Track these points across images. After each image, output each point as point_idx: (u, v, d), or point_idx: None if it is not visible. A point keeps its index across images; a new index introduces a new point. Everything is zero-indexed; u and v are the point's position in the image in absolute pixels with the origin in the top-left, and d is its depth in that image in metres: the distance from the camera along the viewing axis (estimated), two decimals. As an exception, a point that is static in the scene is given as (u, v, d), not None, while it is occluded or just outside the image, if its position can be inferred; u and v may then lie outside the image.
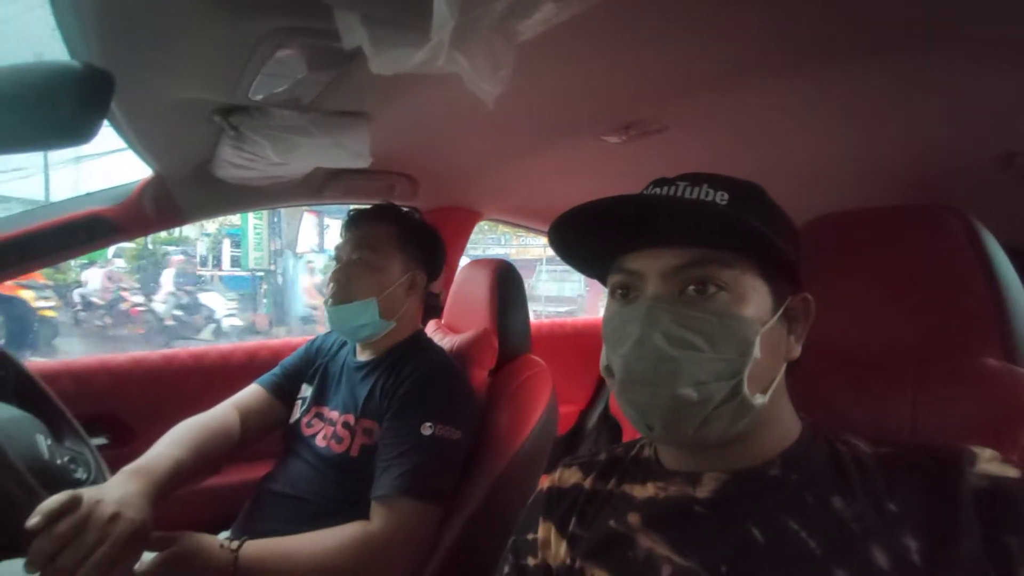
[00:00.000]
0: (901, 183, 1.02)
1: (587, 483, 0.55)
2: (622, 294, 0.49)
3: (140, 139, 0.87)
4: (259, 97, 0.69)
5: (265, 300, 7.58)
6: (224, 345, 1.34)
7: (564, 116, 0.98)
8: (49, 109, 0.41)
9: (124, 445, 1.16)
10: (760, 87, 0.81)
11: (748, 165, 1.10)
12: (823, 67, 0.75)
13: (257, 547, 0.76)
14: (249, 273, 7.67)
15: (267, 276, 7.66)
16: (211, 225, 9.02)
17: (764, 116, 0.91)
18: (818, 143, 0.99)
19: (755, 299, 0.45)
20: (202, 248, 9.09)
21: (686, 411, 0.43)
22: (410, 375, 0.93)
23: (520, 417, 1.00)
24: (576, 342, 1.91)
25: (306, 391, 1.05)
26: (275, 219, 7.77)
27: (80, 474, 0.82)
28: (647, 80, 0.83)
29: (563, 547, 0.52)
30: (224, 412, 0.99)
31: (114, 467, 0.84)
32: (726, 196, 0.46)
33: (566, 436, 1.86)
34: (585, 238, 0.50)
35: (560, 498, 0.56)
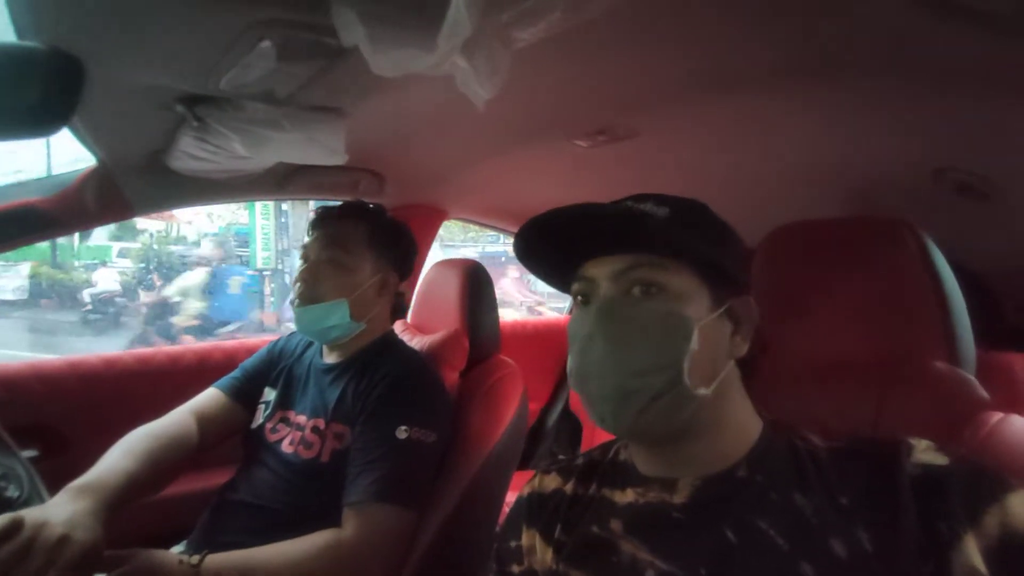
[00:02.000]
0: (849, 194, 1.10)
1: (568, 488, 0.57)
2: (582, 300, 0.53)
3: (86, 124, 0.80)
4: (230, 88, 0.65)
5: (272, 299, 7.21)
6: (172, 348, 1.25)
7: (536, 120, 0.99)
8: (10, 97, 0.36)
9: (58, 457, 1.06)
10: (727, 100, 0.86)
11: (711, 173, 1.17)
12: (783, 86, 0.80)
13: (220, 561, 0.72)
14: (256, 272, 7.27)
15: (274, 275, 7.33)
16: (214, 225, 9.02)
17: (730, 128, 0.96)
18: (776, 155, 1.05)
19: (693, 298, 0.49)
20: (207, 248, 8.76)
21: (630, 399, 0.47)
22: (384, 377, 0.90)
23: (492, 418, 1.00)
24: (537, 341, 1.93)
25: (269, 395, 1.00)
26: (282, 219, 7.57)
27: (12, 492, 0.75)
28: (621, 88, 0.85)
29: (549, 554, 0.53)
30: (180, 418, 0.93)
31: (48, 481, 0.78)
32: (666, 210, 0.50)
33: (528, 434, 1.88)
34: (545, 250, 0.54)
35: (542, 504, 0.57)
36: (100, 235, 9.18)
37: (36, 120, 0.37)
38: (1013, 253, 1.10)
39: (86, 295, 6.77)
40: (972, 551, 0.38)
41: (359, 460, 0.84)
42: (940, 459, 0.43)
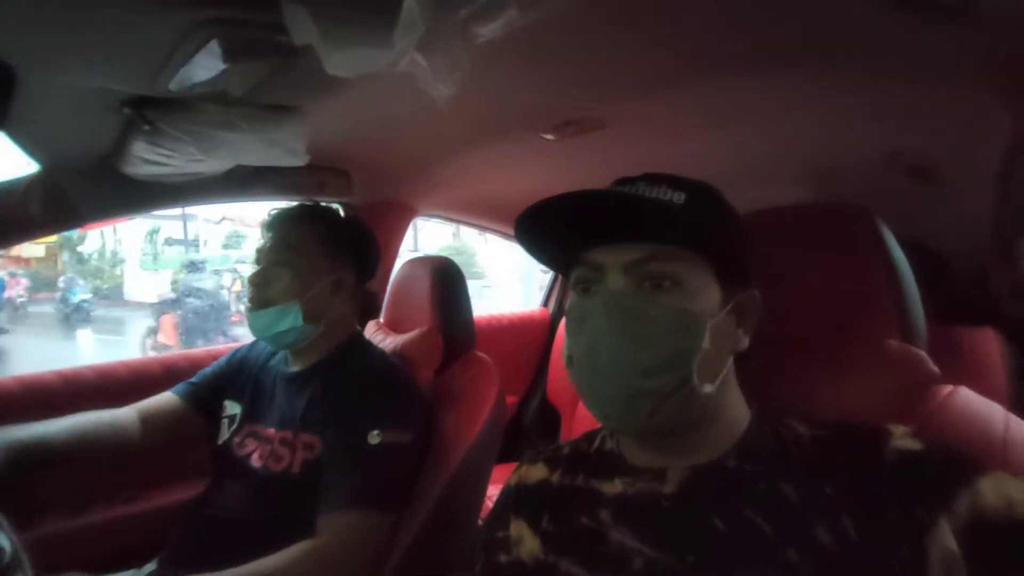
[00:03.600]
0: (809, 179, 1.13)
1: (554, 479, 0.57)
2: (584, 288, 0.51)
3: (25, 129, 0.76)
4: (180, 89, 0.62)
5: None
6: (134, 359, 1.21)
7: (502, 113, 0.98)
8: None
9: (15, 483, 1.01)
10: (690, 90, 0.87)
11: (676, 161, 1.18)
12: (745, 75, 0.81)
13: None
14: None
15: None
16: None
17: (693, 117, 0.97)
18: (739, 143, 1.07)
19: (706, 294, 0.48)
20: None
21: (640, 399, 0.46)
22: (350, 381, 0.88)
23: (469, 416, 1.00)
24: (512, 335, 1.93)
25: (232, 408, 0.97)
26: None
27: None
28: (586, 80, 0.85)
29: (537, 544, 0.53)
30: (122, 411, 0.93)
31: None
32: (683, 196, 0.48)
33: (506, 427, 1.88)
34: (547, 232, 0.52)
35: (528, 495, 0.57)
36: (215, 246, 10.27)
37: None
38: (962, 231, 1.15)
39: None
40: (946, 533, 0.39)
41: (332, 469, 0.82)
42: (915, 445, 0.44)
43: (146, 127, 0.70)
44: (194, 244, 10.09)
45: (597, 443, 0.58)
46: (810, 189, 1.18)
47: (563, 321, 1.77)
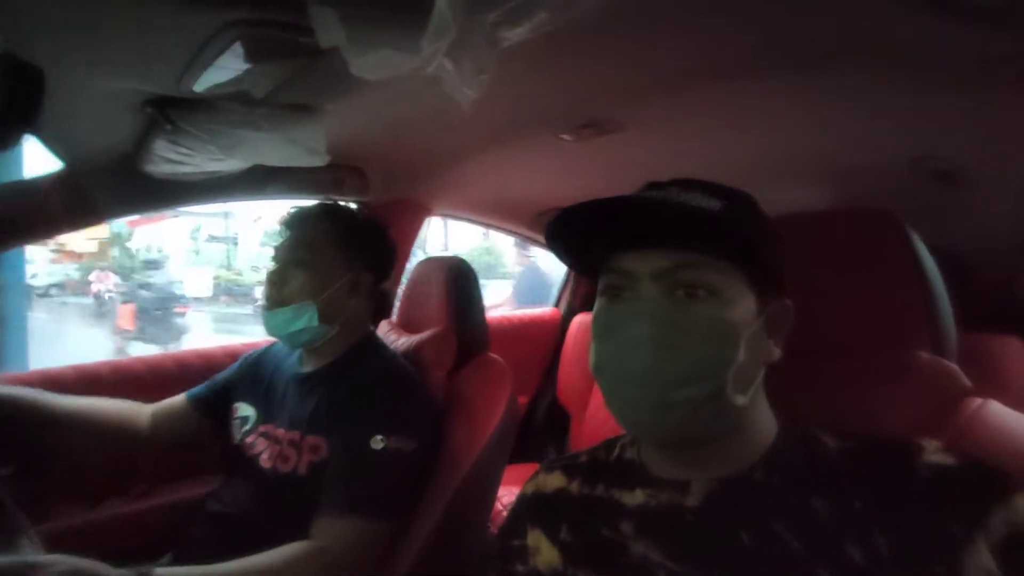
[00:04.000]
0: (831, 184, 1.12)
1: (573, 488, 0.56)
2: (613, 294, 0.50)
3: (50, 128, 0.76)
4: (204, 90, 0.63)
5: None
6: (150, 355, 1.21)
7: (521, 114, 0.97)
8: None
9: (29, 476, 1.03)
10: (711, 93, 0.86)
11: (696, 165, 1.16)
12: (766, 78, 0.80)
13: None
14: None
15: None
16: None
17: (714, 120, 0.96)
18: (760, 146, 1.05)
19: (740, 303, 0.47)
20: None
21: (671, 409, 0.45)
22: (359, 385, 0.88)
23: (481, 420, 0.99)
24: (523, 335, 1.93)
25: (244, 410, 0.97)
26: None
27: None
28: (605, 82, 0.85)
29: (555, 555, 0.52)
30: (136, 405, 0.96)
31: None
32: (719, 203, 0.47)
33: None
34: (577, 237, 0.51)
35: (547, 504, 0.56)
36: (253, 243, 10.36)
37: (-5, 133, 0.34)
38: (988, 236, 1.13)
39: (258, 292, 7.76)
40: (983, 551, 0.38)
41: (334, 472, 0.82)
42: (948, 459, 0.43)
43: (168, 127, 0.70)
44: (234, 241, 10.40)
45: (617, 452, 0.57)
46: (833, 193, 1.16)
47: (573, 322, 1.74)
